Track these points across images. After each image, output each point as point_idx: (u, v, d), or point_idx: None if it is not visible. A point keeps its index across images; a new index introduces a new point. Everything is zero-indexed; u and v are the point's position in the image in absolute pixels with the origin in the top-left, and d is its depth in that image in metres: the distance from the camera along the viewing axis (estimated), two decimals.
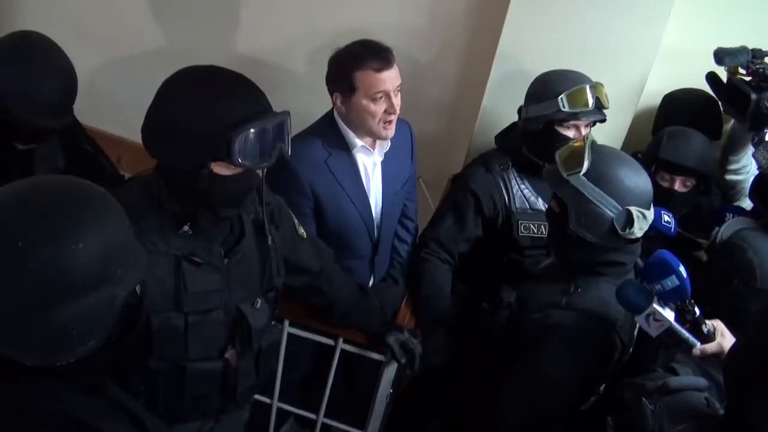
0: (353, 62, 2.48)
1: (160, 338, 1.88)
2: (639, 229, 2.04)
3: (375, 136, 2.60)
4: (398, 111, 2.53)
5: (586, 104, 2.62)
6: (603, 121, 2.70)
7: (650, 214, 2.07)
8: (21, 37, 2.34)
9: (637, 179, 2.07)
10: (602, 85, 2.68)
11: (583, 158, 2.07)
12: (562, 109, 2.64)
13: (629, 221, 2.02)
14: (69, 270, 1.28)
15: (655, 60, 2.97)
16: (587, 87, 2.64)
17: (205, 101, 1.74)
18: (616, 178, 2.06)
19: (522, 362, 2.15)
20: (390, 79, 2.48)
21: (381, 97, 2.49)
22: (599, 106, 2.64)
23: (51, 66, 2.30)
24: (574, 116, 2.64)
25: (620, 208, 2.03)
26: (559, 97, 2.65)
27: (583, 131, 2.66)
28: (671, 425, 1.68)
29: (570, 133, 2.66)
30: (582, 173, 2.06)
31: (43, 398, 1.35)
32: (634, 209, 2.02)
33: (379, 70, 2.46)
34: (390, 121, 2.54)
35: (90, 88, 2.44)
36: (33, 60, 2.27)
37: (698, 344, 1.85)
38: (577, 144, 2.18)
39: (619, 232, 2.03)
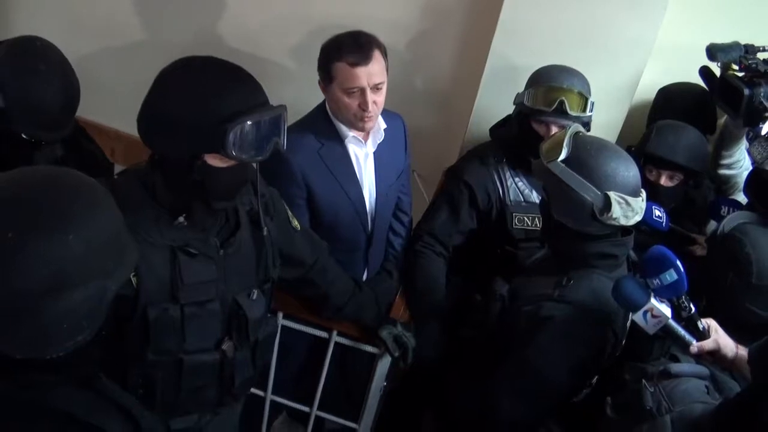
0: (333, 52, 2.47)
1: (157, 330, 1.88)
2: (623, 217, 2.04)
3: (354, 128, 2.59)
4: (374, 108, 2.50)
5: (548, 105, 2.62)
6: (585, 126, 2.65)
7: (636, 201, 2.06)
8: (25, 44, 2.32)
9: (616, 165, 2.06)
10: (578, 92, 2.65)
11: (561, 146, 2.08)
12: (526, 103, 2.67)
13: (607, 205, 2.02)
14: (59, 262, 1.27)
15: (651, 54, 2.97)
16: (555, 87, 2.64)
17: (201, 92, 1.73)
18: (596, 164, 2.06)
19: (514, 355, 2.15)
20: (367, 75, 2.44)
21: (354, 92, 2.47)
22: (561, 110, 2.61)
23: (54, 78, 2.28)
24: (537, 113, 2.65)
25: (599, 192, 2.04)
26: (527, 90, 2.68)
27: (553, 131, 2.63)
28: (668, 407, 1.70)
29: (540, 130, 2.67)
30: (561, 160, 2.07)
31: (33, 392, 1.34)
32: (613, 194, 2.02)
33: (354, 65, 2.43)
34: (366, 116, 2.51)
35: (83, 79, 2.41)
36: (36, 72, 2.26)
37: (694, 341, 1.85)
38: (559, 134, 2.19)
39: (597, 216, 2.03)
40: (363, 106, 2.48)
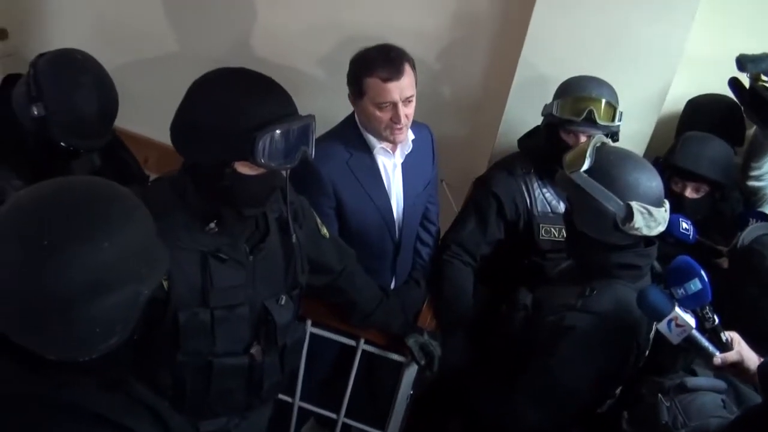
0: (364, 67, 2.49)
1: (187, 333, 1.92)
2: (646, 227, 2.03)
3: (384, 140, 2.61)
4: (406, 121, 2.52)
5: (577, 114, 2.63)
6: (613, 136, 2.67)
7: (659, 212, 2.05)
8: (66, 56, 2.38)
9: (639, 175, 2.06)
10: (606, 102, 2.66)
11: (584, 156, 2.09)
12: (554, 113, 2.68)
13: (629, 216, 2.02)
14: (93, 269, 1.29)
15: (680, 65, 2.97)
16: (584, 97, 2.64)
17: (232, 102, 1.77)
18: (618, 174, 2.06)
19: (537, 364, 2.16)
20: (398, 89, 2.46)
21: (386, 106, 2.49)
22: (590, 119, 2.62)
23: (93, 89, 2.33)
24: (567, 123, 2.66)
25: (621, 203, 2.04)
26: (556, 101, 2.69)
27: (582, 140, 2.63)
28: (684, 422, 1.70)
29: (569, 140, 2.67)
30: (584, 170, 2.07)
31: (65, 392, 1.36)
32: (635, 204, 2.02)
33: (387, 80, 2.45)
34: (397, 129, 2.54)
35: (118, 89, 2.47)
36: (76, 83, 2.31)
37: (717, 353, 1.84)
38: (583, 144, 2.20)
39: (620, 226, 2.03)
40: (395, 119, 2.50)
